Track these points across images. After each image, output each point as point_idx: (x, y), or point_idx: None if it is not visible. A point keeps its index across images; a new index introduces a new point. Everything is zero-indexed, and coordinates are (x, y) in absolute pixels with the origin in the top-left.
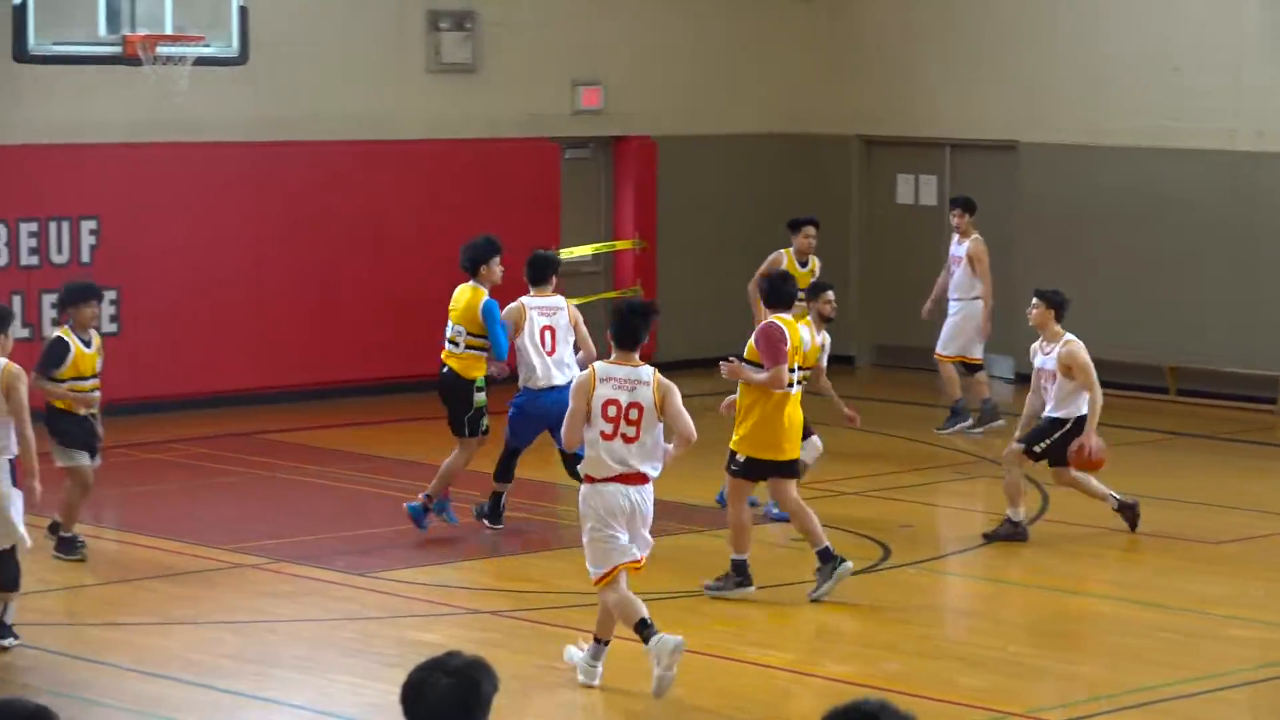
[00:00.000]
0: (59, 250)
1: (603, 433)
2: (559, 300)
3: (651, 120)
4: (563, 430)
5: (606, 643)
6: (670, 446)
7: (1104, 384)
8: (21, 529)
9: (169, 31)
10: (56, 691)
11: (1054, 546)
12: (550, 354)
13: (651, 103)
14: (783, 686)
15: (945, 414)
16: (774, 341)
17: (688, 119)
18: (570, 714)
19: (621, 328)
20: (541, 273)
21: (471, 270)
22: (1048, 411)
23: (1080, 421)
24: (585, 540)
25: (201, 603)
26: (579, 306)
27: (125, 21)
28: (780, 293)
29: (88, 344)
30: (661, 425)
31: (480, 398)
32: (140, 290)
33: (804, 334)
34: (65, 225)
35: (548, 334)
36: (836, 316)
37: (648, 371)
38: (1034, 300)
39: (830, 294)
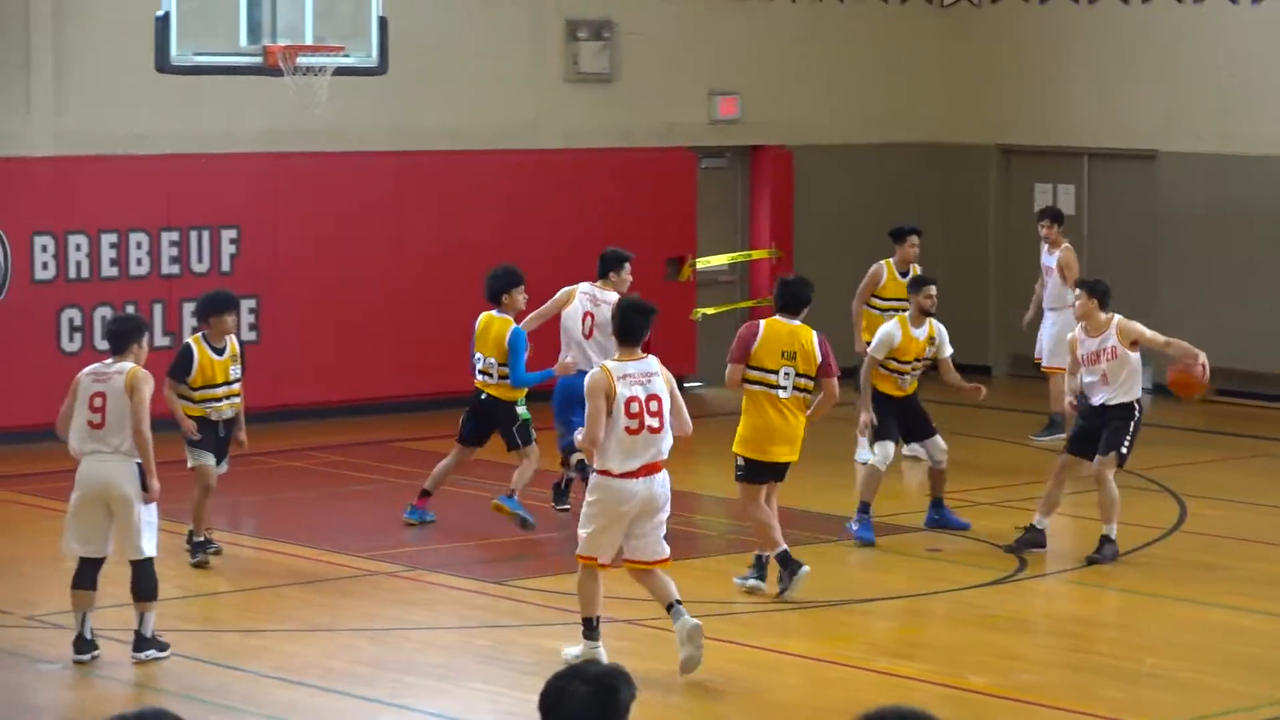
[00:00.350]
0: (199, 259)
1: (627, 428)
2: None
3: (788, 130)
4: (585, 429)
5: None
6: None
7: (1246, 395)
8: (142, 541)
9: (309, 42)
10: (194, 697)
11: (1190, 558)
12: (587, 338)
13: (788, 112)
14: (918, 699)
15: (1044, 422)
16: (740, 338)
17: (825, 129)
18: None
19: (625, 325)
20: (607, 267)
21: (494, 299)
22: (1108, 399)
23: (1139, 402)
24: (584, 521)
25: (338, 610)
26: (714, 316)
27: (266, 32)
28: (782, 296)
29: (219, 352)
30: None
31: (523, 411)
32: (279, 299)
33: (891, 330)
34: (205, 234)
35: (589, 319)
36: (935, 310)
37: (654, 362)
38: (1077, 292)
39: (932, 289)
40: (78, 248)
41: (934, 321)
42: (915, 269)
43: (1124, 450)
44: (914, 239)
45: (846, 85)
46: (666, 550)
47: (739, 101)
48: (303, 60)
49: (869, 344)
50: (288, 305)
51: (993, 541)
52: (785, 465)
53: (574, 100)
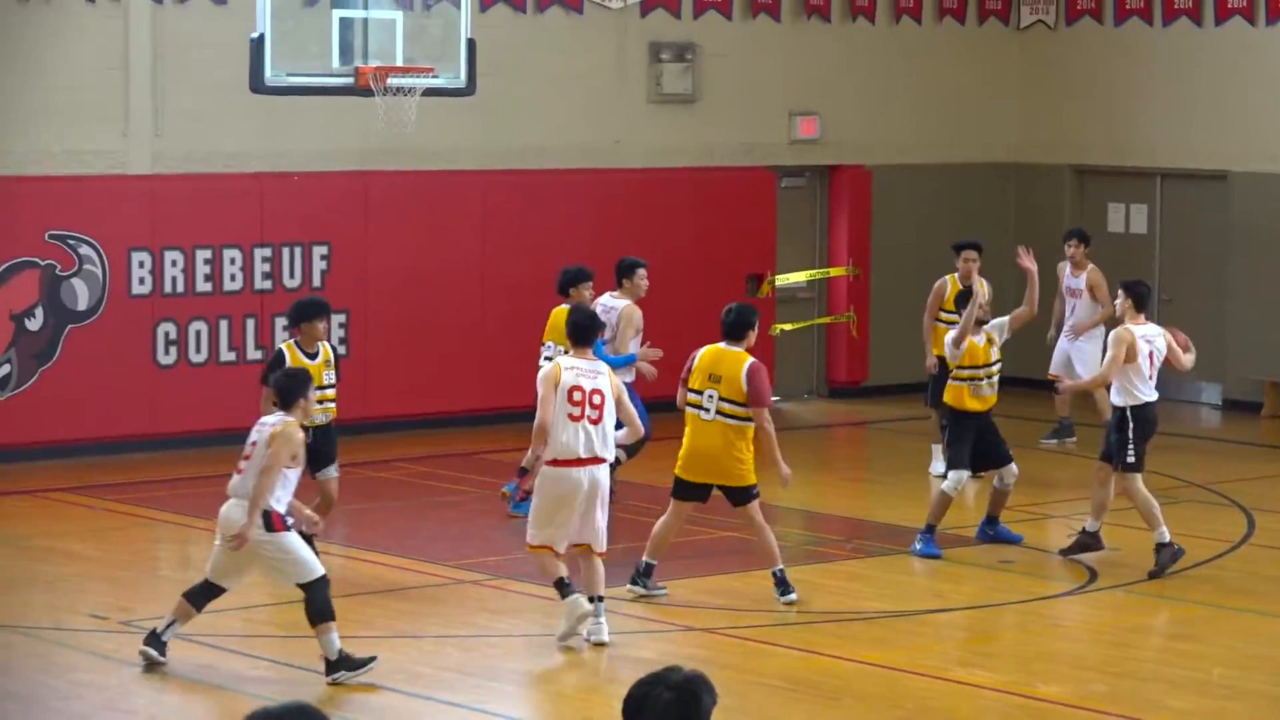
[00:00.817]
0: (291, 275)
1: (569, 415)
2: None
3: (866, 150)
4: (537, 415)
5: (598, 598)
6: (620, 434)
7: None
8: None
9: (399, 63)
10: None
11: (1258, 570)
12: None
13: (867, 132)
14: (991, 707)
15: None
16: (688, 362)
17: (902, 148)
18: None
19: (575, 329)
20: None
21: (563, 293)
22: (1114, 401)
23: (1129, 408)
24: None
25: (425, 617)
26: (792, 331)
27: (357, 53)
28: (725, 323)
29: (312, 356)
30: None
31: None
32: (368, 313)
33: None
34: (298, 250)
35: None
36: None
37: (603, 365)
38: (1119, 293)
39: (981, 298)
40: (173, 263)
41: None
42: (981, 283)
43: (1128, 459)
44: (968, 253)
45: (924, 106)
46: (604, 544)
47: (818, 122)
48: (393, 81)
49: (940, 358)
50: (377, 319)
51: (1054, 552)
52: (706, 487)
53: (657, 120)
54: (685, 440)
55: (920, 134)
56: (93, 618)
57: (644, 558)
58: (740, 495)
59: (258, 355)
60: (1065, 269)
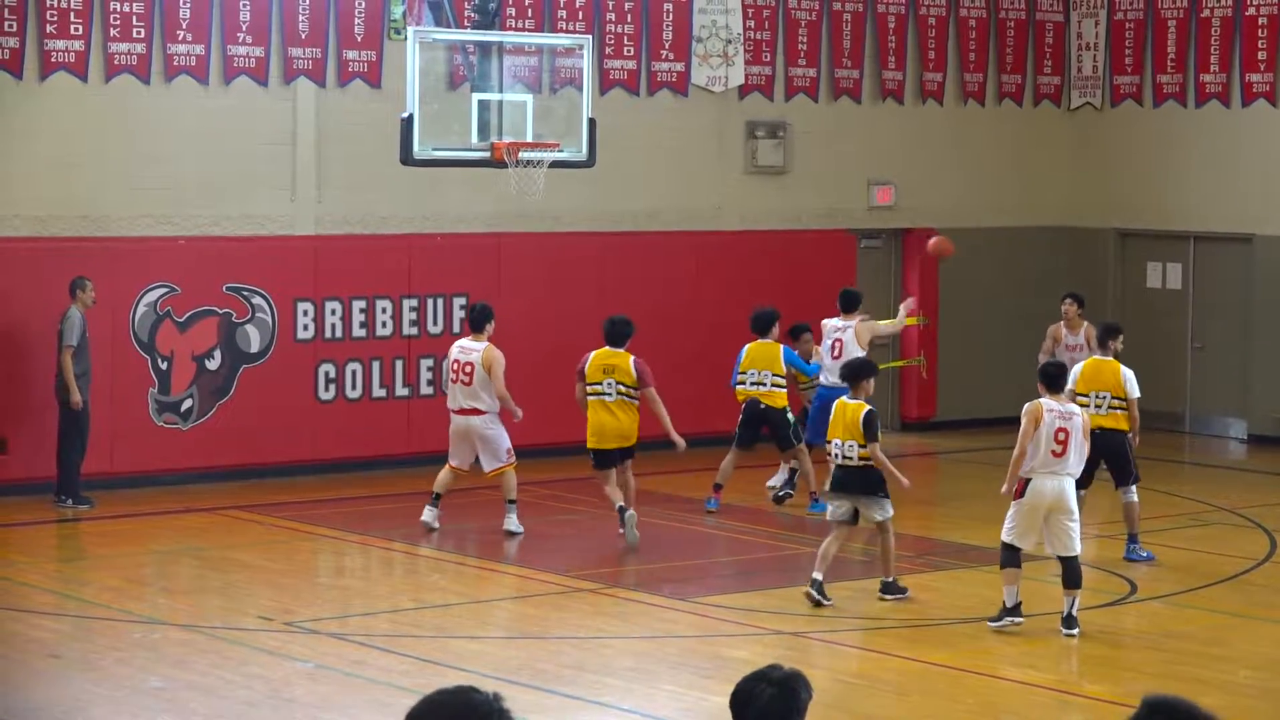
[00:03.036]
0: (434, 322)
1: (451, 379)
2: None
3: (935, 214)
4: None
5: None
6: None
7: None
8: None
9: (529, 139)
10: (422, 694)
11: None
12: (836, 358)
13: (936, 199)
14: (1044, 703)
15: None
16: (579, 367)
17: (966, 213)
18: None
19: (475, 318)
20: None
21: (763, 331)
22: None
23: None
24: None
25: (548, 621)
26: None
27: (493, 131)
28: (606, 332)
29: None
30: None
31: (790, 415)
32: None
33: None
34: (440, 301)
35: (838, 344)
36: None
37: (482, 345)
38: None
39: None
40: (332, 312)
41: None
42: (1084, 325)
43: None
44: (1066, 303)
45: (986, 176)
46: (493, 465)
47: (893, 190)
48: (524, 155)
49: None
50: (508, 361)
51: (1109, 569)
52: (618, 450)
53: (752, 189)
54: (592, 421)
55: (982, 201)
56: (260, 619)
57: (621, 504)
58: (630, 452)
59: (405, 392)
60: (1063, 330)
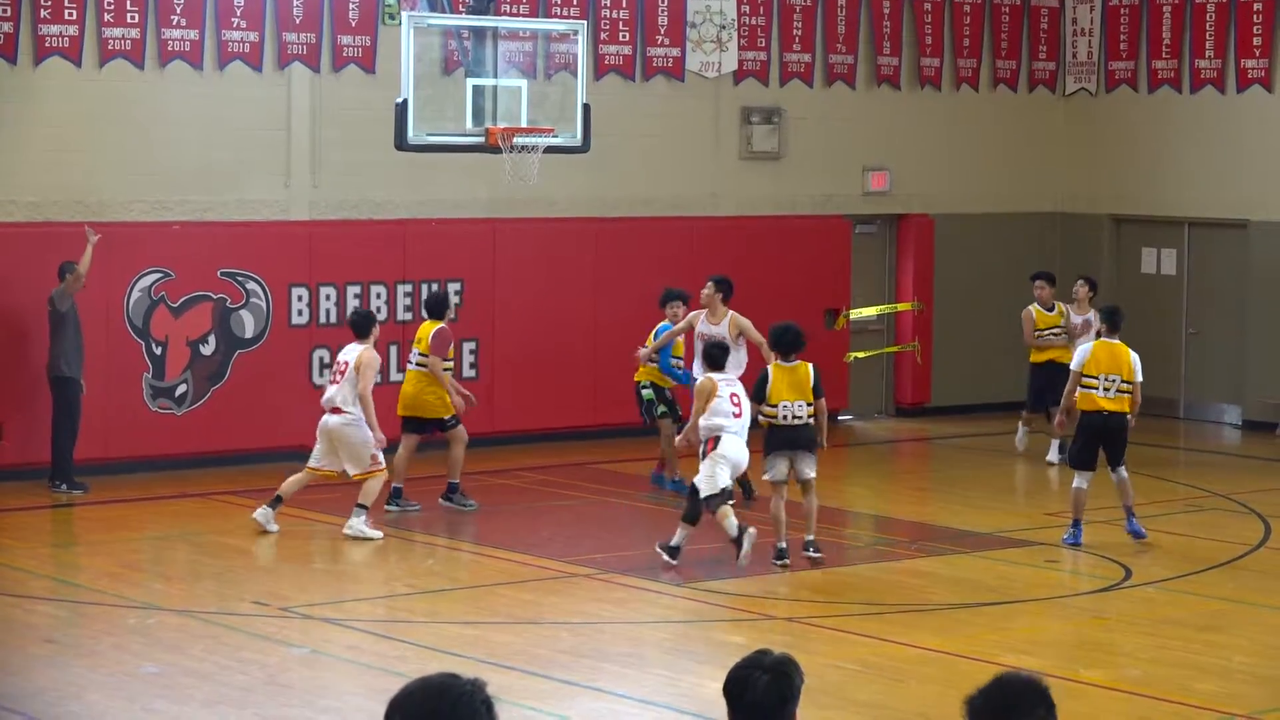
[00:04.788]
0: None
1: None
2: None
3: (930, 200)
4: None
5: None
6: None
7: None
8: None
9: (524, 125)
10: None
11: (1275, 570)
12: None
13: (930, 185)
14: None
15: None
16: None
17: (962, 200)
18: (858, 710)
19: (355, 323)
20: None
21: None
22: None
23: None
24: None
25: (542, 607)
26: (864, 359)
27: (488, 116)
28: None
29: None
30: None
31: (648, 393)
32: (495, 341)
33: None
34: (435, 286)
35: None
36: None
37: (355, 349)
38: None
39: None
40: (327, 297)
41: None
42: (1059, 306)
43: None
44: (1038, 282)
45: (981, 162)
46: (354, 471)
47: (888, 176)
48: (518, 140)
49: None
50: (502, 347)
51: (1104, 555)
52: (412, 419)
53: (747, 175)
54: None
55: (977, 187)
56: (256, 604)
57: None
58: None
59: (399, 377)
60: (1070, 310)
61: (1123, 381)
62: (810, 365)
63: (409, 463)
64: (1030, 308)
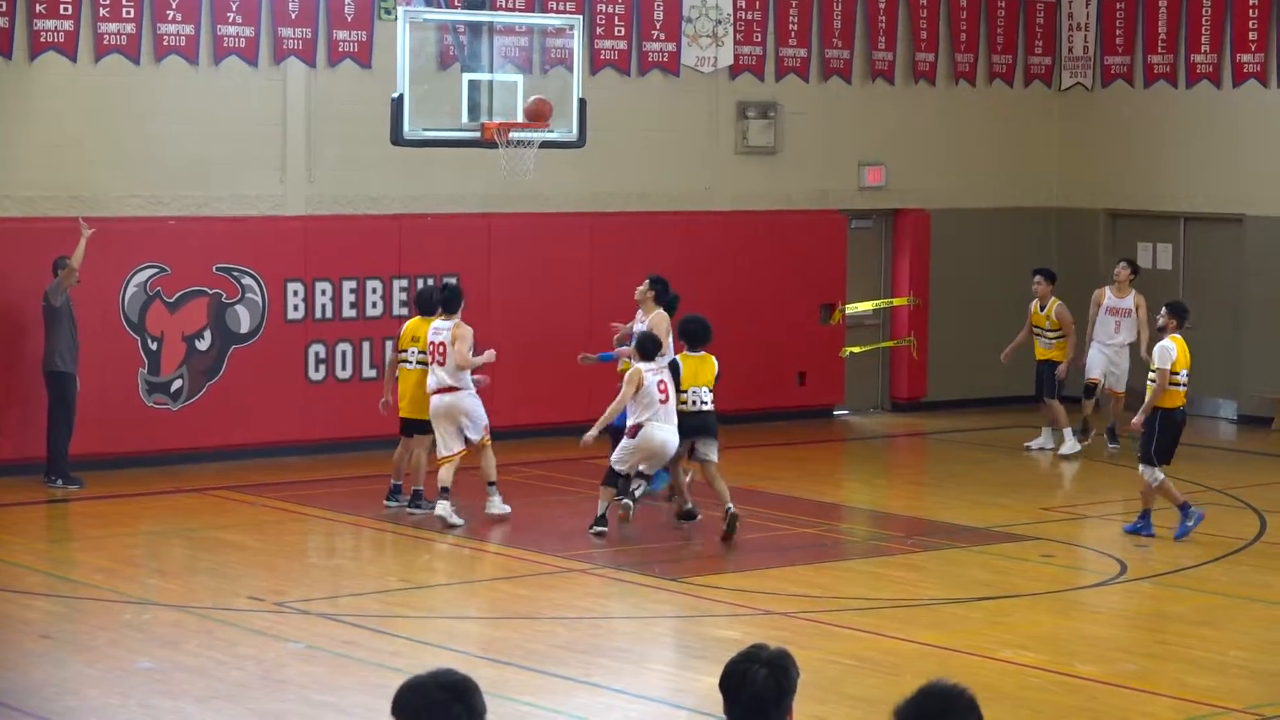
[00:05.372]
0: None
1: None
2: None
3: (926, 195)
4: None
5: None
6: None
7: None
8: None
9: (520, 119)
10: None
11: (1270, 564)
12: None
13: (926, 180)
14: (1036, 684)
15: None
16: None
17: (957, 194)
18: (854, 704)
19: (446, 301)
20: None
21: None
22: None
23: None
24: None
25: (538, 601)
26: (860, 354)
27: (484, 111)
28: (418, 303)
29: None
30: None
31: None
32: (491, 335)
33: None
34: (431, 281)
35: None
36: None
37: (445, 324)
38: (1163, 311)
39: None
40: (323, 292)
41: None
42: (1053, 302)
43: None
44: (1035, 278)
45: (976, 157)
46: (477, 437)
47: (884, 171)
48: (514, 135)
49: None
50: (498, 341)
51: (1100, 550)
52: (415, 421)
53: (742, 170)
54: (400, 389)
55: (973, 182)
56: (251, 599)
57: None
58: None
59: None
60: (1107, 291)
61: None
62: (714, 358)
63: (412, 461)
64: (1034, 302)
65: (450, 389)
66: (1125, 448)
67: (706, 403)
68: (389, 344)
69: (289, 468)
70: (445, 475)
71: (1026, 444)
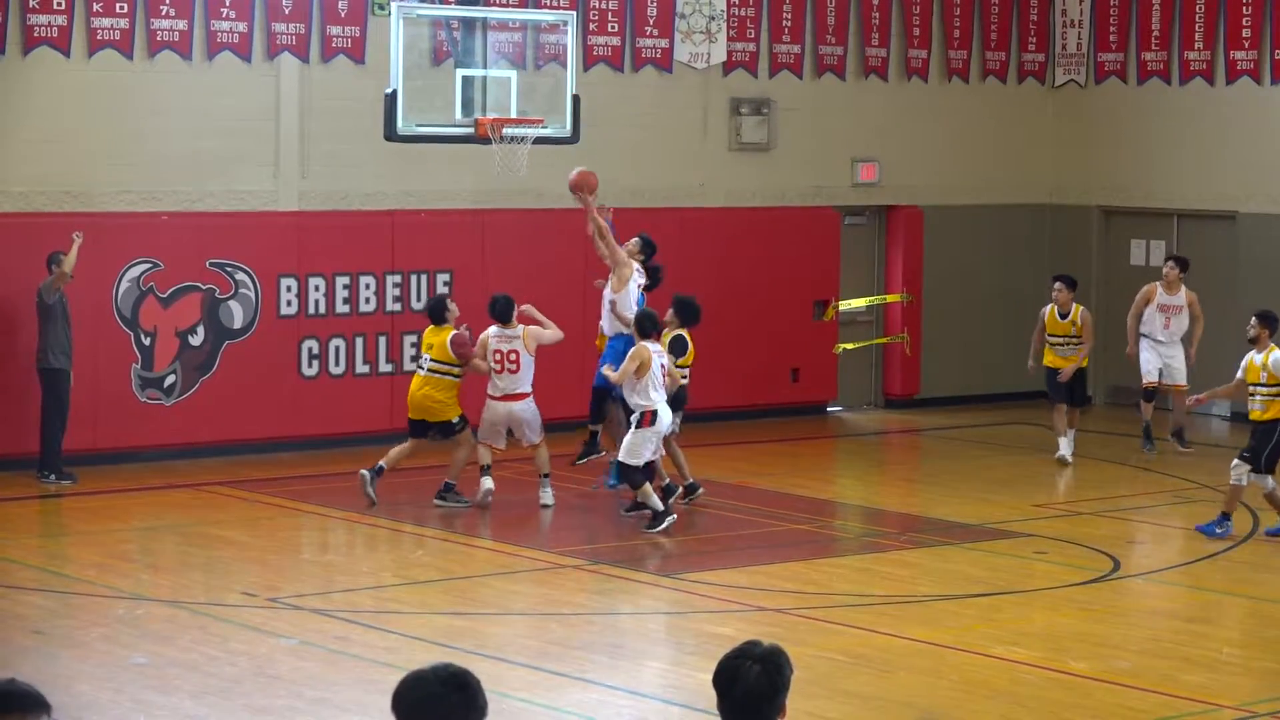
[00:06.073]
0: (418, 298)
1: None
2: None
3: (920, 192)
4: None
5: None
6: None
7: None
8: None
9: (513, 116)
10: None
11: (1263, 561)
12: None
13: (919, 177)
14: (1027, 681)
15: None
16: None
17: (950, 191)
18: (847, 700)
19: (500, 310)
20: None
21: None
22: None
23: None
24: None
25: (532, 598)
26: (853, 350)
27: (477, 107)
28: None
29: None
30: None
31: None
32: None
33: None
34: (424, 277)
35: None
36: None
37: (519, 330)
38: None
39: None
40: (316, 288)
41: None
42: (1076, 310)
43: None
44: (1056, 285)
45: (970, 154)
46: (535, 439)
47: (878, 167)
48: (508, 131)
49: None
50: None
51: (1093, 547)
52: (418, 422)
53: (736, 166)
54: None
55: (966, 178)
56: (244, 595)
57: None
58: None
59: (389, 368)
60: (1158, 288)
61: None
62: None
63: (408, 456)
64: (1046, 309)
65: (516, 396)
66: (1191, 448)
67: (687, 379)
68: (381, 340)
69: (282, 463)
70: (485, 455)
71: (1060, 456)
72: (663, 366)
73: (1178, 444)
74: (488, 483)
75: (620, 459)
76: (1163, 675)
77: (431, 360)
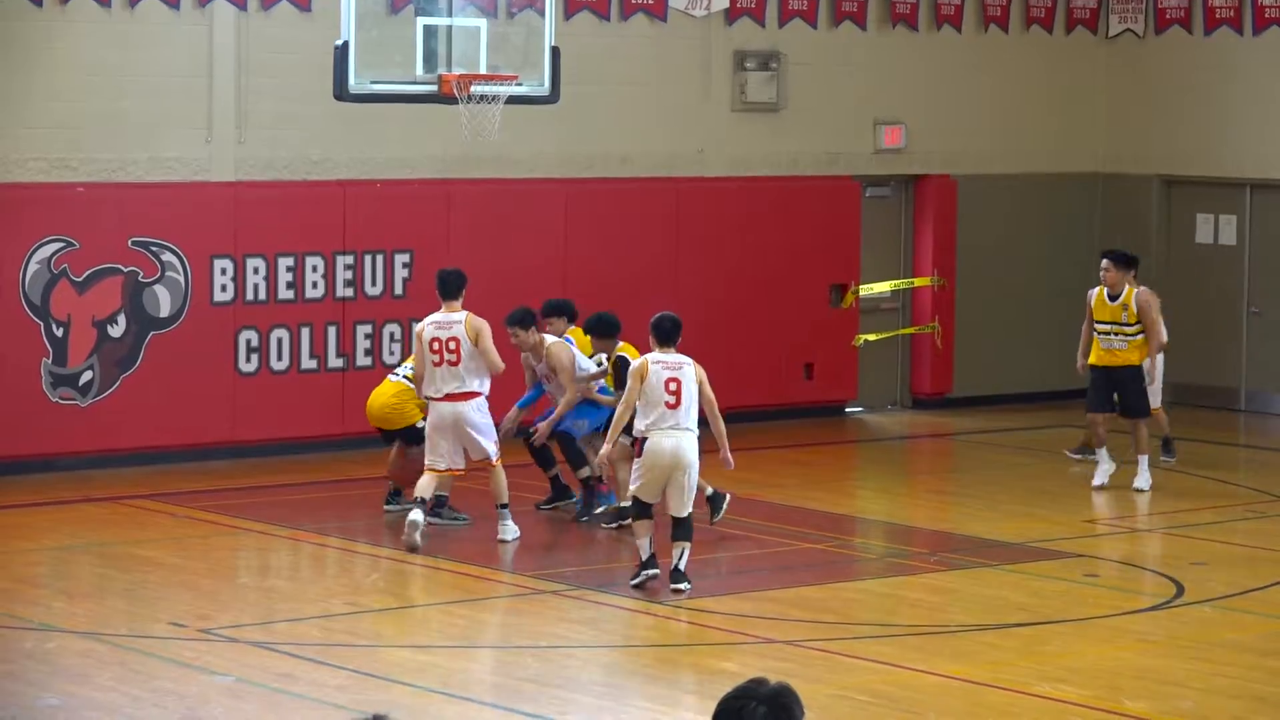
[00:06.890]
0: (373, 282)
1: (433, 362)
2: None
3: (952, 159)
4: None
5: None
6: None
7: None
8: None
9: (483, 71)
10: (360, 713)
11: None
12: None
13: (952, 142)
14: None
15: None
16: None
17: (988, 159)
18: None
19: (443, 285)
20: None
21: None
22: None
23: None
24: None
25: (505, 628)
26: (876, 342)
27: (441, 61)
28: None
29: None
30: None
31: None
32: None
33: None
34: (380, 258)
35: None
36: None
37: (460, 315)
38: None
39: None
40: (255, 271)
41: None
42: (1129, 291)
43: None
44: (1104, 262)
45: (1010, 116)
46: (494, 455)
47: (904, 131)
48: (476, 89)
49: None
50: None
51: (1152, 569)
52: (397, 429)
53: (741, 129)
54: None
55: (1006, 144)
56: (172, 625)
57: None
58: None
59: (339, 363)
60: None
61: None
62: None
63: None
64: (1094, 291)
65: (462, 395)
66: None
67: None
68: (331, 330)
69: (216, 473)
70: (425, 485)
71: (1136, 485)
72: (672, 381)
73: (1164, 455)
74: (417, 515)
75: (633, 492)
76: (1232, 717)
77: (411, 367)
